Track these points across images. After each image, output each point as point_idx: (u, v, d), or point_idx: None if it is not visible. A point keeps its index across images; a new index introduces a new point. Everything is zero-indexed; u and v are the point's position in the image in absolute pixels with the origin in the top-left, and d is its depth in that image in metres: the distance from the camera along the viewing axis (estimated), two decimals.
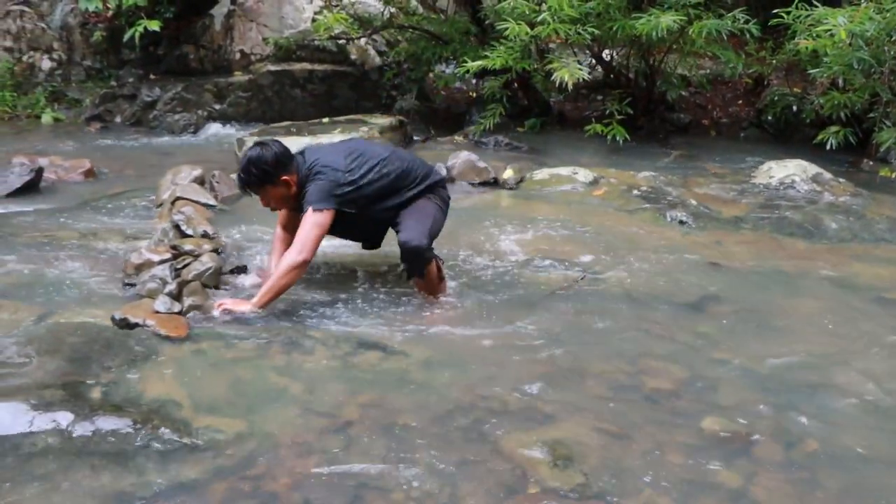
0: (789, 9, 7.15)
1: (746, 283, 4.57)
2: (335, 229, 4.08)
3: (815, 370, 3.57)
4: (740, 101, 10.08)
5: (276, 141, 4.03)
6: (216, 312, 3.80)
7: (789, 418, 3.15)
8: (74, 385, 3.07)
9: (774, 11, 7.26)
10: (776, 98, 8.78)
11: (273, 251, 4.25)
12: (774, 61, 8.59)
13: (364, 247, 4.41)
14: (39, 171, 6.56)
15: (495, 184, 6.47)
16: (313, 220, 3.88)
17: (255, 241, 4.82)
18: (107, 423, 2.88)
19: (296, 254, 3.84)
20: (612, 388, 3.34)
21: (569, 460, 2.80)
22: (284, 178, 3.92)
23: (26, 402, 2.90)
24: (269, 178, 3.90)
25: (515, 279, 4.49)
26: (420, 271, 4.05)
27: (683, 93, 9.36)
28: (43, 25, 10.41)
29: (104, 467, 2.69)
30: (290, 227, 4.12)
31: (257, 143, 4.00)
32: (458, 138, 8.48)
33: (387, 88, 9.97)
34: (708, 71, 10.11)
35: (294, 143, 4.40)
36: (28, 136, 9.06)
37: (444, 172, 6.46)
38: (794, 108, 8.53)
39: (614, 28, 7.56)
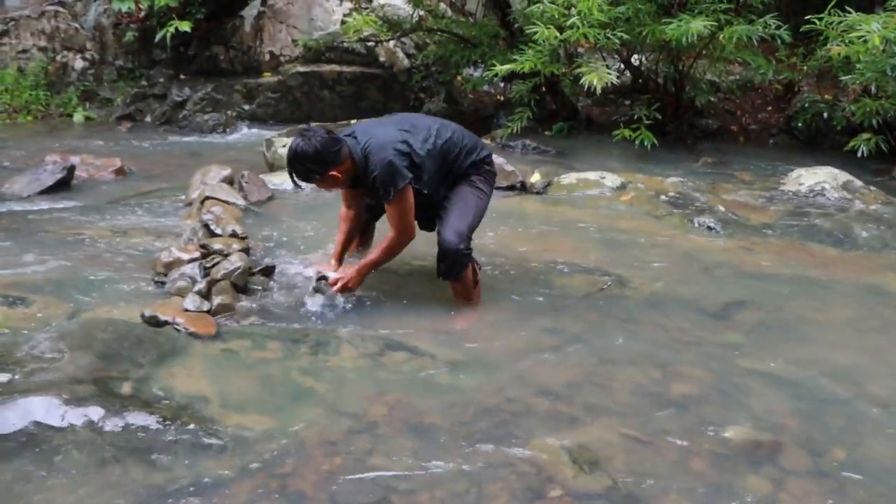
0: (822, 15, 7.09)
1: (774, 291, 4.54)
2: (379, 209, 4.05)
3: (844, 379, 3.53)
4: (770, 108, 10.00)
5: (320, 131, 3.77)
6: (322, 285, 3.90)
7: (817, 427, 3.12)
8: (105, 381, 3.11)
9: (807, 17, 7.19)
10: (807, 105, 8.71)
11: (339, 230, 4.19)
12: (805, 67, 8.52)
13: (420, 227, 4.16)
14: (71, 169, 6.65)
15: (522, 187, 6.46)
16: (399, 205, 3.81)
17: (284, 241, 4.85)
18: (136, 418, 2.92)
19: (398, 235, 3.87)
20: (639, 393, 3.33)
21: (594, 464, 2.80)
22: (332, 172, 3.74)
23: (58, 396, 2.94)
24: (312, 176, 3.76)
25: (542, 283, 4.49)
26: (456, 275, 4.00)
27: (712, 98, 9.30)
28: (76, 25, 10.54)
29: (134, 462, 2.73)
30: (353, 204, 4.12)
31: (302, 132, 3.77)
32: (486, 141, 8.47)
33: (415, 91, 10.00)
34: (737, 77, 10.05)
35: None
36: (60, 135, 9.18)
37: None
38: (825, 114, 8.47)
39: (644, 33, 7.54)
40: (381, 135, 3.83)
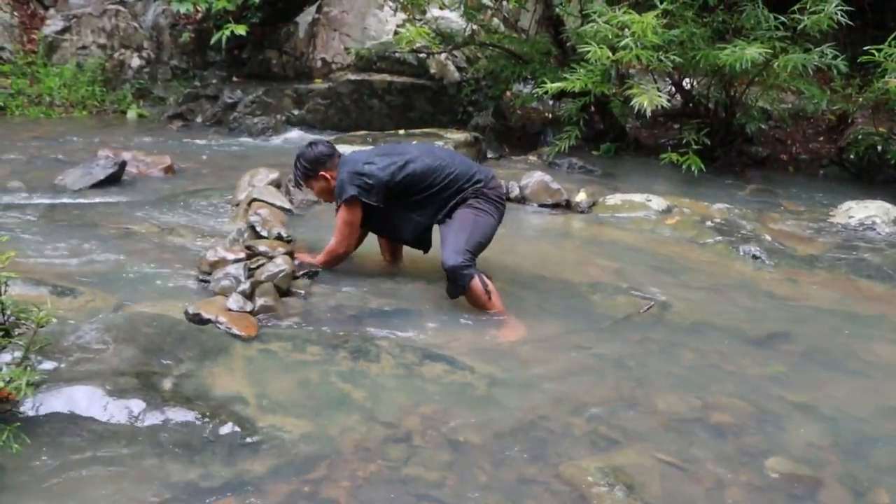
0: (881, 46, 6.99)
1: (819, 324, 4.47)
2: (371, 224, 4.45)
3: (888, 418, 3.47)
4: (821, 138, 9.87)
5: (324, 142, 4.55)
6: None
7: (859, 466, 3.06)
8: (147, 375, 3.15)
9: (865, 48, 7.10)
10: (860, 137, 8.59)
11: None
12: (861, 99, 8.37)
13: (412, 246, 4.60)
14: (122, 165, 6.75)
15: (567, 206, 6.44)
16: (341, 216, 4.34)
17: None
18: (176, 414, 2.95)
19: (335, 244, 4.42)
20: (677, 419, 3.29)
21: (630, 488, 2.77)
22: (323, 173, 4.42)
23: (102, 387, 2.99)
24: (309, 174, 4.45)
25: (584, 302, 4.47)
26: (460, 291, 4.13)
27: (763, 126, 9.19)
28: (135, 25, 10.74)
29: (171, 458, 2.76)
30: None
31: (309, 142, 4.56)
32: (532, 158, 8.48)
33: (464, 104, 10.02)
34: (790, 105, 9.93)
35: None
36: (113, 131, 9.34)
37: (516, 191, 6.48)
38: (879, 147, 8.34)
39: (697, 57, 7.48)
40: (354, 156, 4.46)
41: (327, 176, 4.40)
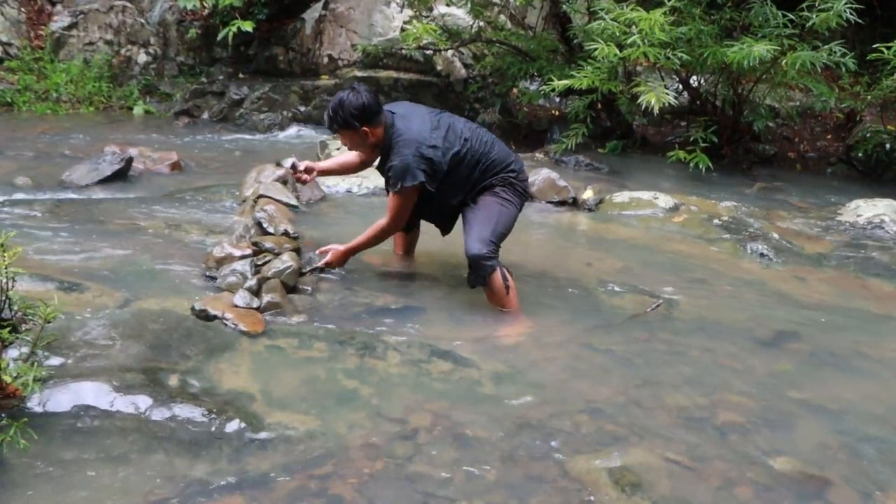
0: (890, 43, 6.96)
1: (828, 323, 4.45)
2: None
3: None
4: (829, 136, 9.84)
5: (368, 90, 4.09)
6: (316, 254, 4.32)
7: (868, 466, 3.04)
8: (154, 371, 3.15)
9: (874, 46, 7.07)
10: (868, 135, 8.55)
11: (331, 159, 4.68)
12: (869, 97, 8.35)
13: (440, 226, 4.52)
14: (129, 161, 6.76)
15: (574, 203, 6.43)
16: (401, 198, 4.08)
17: (334, 242, 4.86)
18: (183, 410, 2.95)
19: (387, 221, 4.17)
20: (684, 418, 3.28)
21: (636, 487, 2.76)
22: (365, 129, 4.05)
23: (109, 383, 2.99)
24: (350, 125, 4.04)
25: (591, 300, 4.46)
26: (482, 281, 4.08)
27: (770, 124, 9.16)
28: (142, 21, 10.75)
29: (178, 453, 2.76)
30: (357, 155, 4.49)
31: (351, 87, 4.11)
32: (539, 155, 8.45)
33: (470, 101, 10.00)
34: (797, 103, 9.90)
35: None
36: (120, 127, 9.35)
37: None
38: (887, 146, 8.31)
39: (705, 54, 7.46)
40: (415, 130, 4.06)
41: (369, 132, 4.07)
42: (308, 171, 4.53)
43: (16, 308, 2.99)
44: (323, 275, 4.32)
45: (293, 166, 4.54)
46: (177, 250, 4.68)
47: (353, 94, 4.02)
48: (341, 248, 4.28)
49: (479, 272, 4.06)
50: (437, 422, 3.07)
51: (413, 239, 4.70)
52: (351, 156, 4.55)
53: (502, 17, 9.97)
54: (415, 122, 4.11)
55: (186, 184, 6.61)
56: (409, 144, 4.01)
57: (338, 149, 7.11)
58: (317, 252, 4.38)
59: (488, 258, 4.04)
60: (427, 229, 4.64)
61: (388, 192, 4.18)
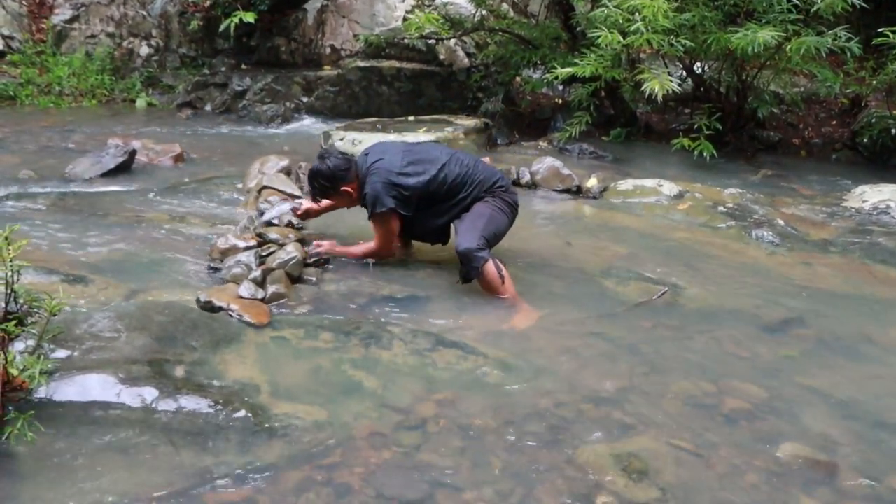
0: (895, 28, 6.91)
1: (833, 308, 4.44)
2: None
3: None
4: (834, 122, 9.79)
5: (336, 155, 4.37)
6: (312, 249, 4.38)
7: (875, 451, 3.04)
8: (160, 362, 3.15)
9: (879, 30, 7.02)
10: (873, 120, 8.50)
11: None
12: (874, 82, 8.29)
13: (432, 243, 4.59)
14: (132, 154, 6.76)
15: (578, 192, 6.42)
16: (382, 227, 4.28)
17: (337, 233, 4.87)
18: (189, 401, 2.95)
19: (378, 249, 4.38)
20: (691, 405, 3.28)
21: (643, 474, 2.76)
22: (343, 188, 4.30)
23: (115, 375, 2.99)
24: (328, 191, 4.34)
25: (596, 288, 4.45)
26: (475, 272, 4.10)
27: (775, 110, 9.11)
28: (144, 13, 10.73)
29: (184, 445, 2.76)
30: None
31: (319, 156, 4.39)
32: (543, 144, 8.43)
33: (473, 90, 9.97)
34: (802, 89, 9.84)
35: (378, 140, 4.60)
36: (123, 119, 9.34)
37: (527, 177, 6.45)
38: (893, 131, 8.26)
39: (708, 41, 7.42)
40: (386, 161, 4.28)
41: (349, 190, 4.31)
42: (308, 213, 4.78)
43: (21, 301, 2.99)
44: (327, 265, 4.31)
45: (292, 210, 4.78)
46: (181, 242, 4.69)
47: (320, 163, 4.30)
48: (337, 247, 4.46)
49: (471, 264, 4.09)
50: (443, 411, 3.07)
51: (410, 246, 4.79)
52: None
53: (505, 6, 9.96)
54: (386, 155, 4.32)
55: (190, 176, 6.61)
56: (379, 174, 4.21)
57: (341, 139, 7.09)
58: (314, 243, 4.44)
59: (478, 250, 4.08)
60: None
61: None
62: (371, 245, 4.38)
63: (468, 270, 4.11)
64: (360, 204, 4.37)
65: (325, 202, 4.61)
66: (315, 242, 4.44)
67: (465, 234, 4.16)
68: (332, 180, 4.28)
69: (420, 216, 4.32)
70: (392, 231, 4.32)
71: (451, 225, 4.39)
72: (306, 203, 4.76)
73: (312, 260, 4.28)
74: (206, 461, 2.69)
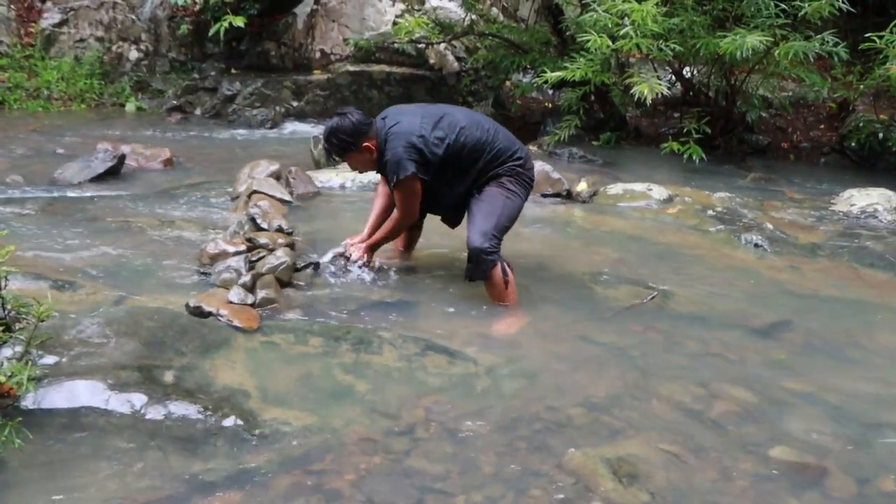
0: (882, 33, 6.96)
1: (822, 312, 4.47)
2: None
3: (892, 405, 3.46)
4: (822, 126, 9.85)
5: (356, 111, 4.13)
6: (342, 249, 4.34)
7: (863, 454, 3.05)
8: (149, 368, 3.14)
9: (866, 35, 7.06)
10: (861, 124, 8.56)
11: (374, 206, 4.46)
12: (862, 86, 8.34)
13: (443, 220, 4.51)
14: (122, 158, 6.74)
15: (568, 196, 6.43)
16: (404, 192, 4.10)
17: (328, 238, 4.86)
18: (178, 407, 2.95)
19: (399, 215, 4.22)
20: (680, 409, 3.28)
21: (633, 478, 2.77)
22: (366, 144, 4.06)
23: (104, 381, 2.98)
24: (350, 146, 4.07)
25: (585, 292, 4.46)
26: (482, 275, 4.07)
27: (763, 114, 9.17)
28: (133, 17, 10.70)
29: (174, 450, 2.76)
30: (382, 195, 4.42)
31: (338, 112, 4.14)
32: (532, 148, 8.42)
33: (463, 94, 10.00)
34: (790, 93, 9.90)
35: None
36: (112, 124, 9.31)
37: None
38: (880, 135, 8.32)
39: (697, 45, 7.45)
40: (405, 123, 4.08)
41: (370, 146, 4.07)
42: (362, 254, 4.36)
43: (9, 307, 2.98)
44: (318, 270, 4.31)
45: (340, 256, 4.39)
46: (170, 247, 4.67)
47: (340, 119, 4.06)
48: (366, 242, 4.33)
49: (480, 266, 4.05)
50: (433, 416, 3.07)
51: (414, 237, 4.68)
52: (379, 201, 4.45)
53: (494, 10, 9.98)
54: (404, 118, 4.12)
55: (179, 180, 6.60)
56: (399, 138, 4.02)
57: None
58: (343, 243, 4.37)
59: (490, 252, 4.03)
60: (427, 229, 4.64)
61: (390, 188, 4.19)
62: (395, 216, 4.24)
63: (476, 271, 4.07)
64: (378, 170, 4.23)
65: (368, 233, 4.39)
66: (344, 243, 4.36)
67: (476, 229, 4.06)
68: (354, 135, 4.02)
69: (436, 184, 4.15)
70: (416, 195, 4.13)
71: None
72: (355, 240, 4.41)
73: (303, 265, 4.27)
74: (195, 467, 2.68)
